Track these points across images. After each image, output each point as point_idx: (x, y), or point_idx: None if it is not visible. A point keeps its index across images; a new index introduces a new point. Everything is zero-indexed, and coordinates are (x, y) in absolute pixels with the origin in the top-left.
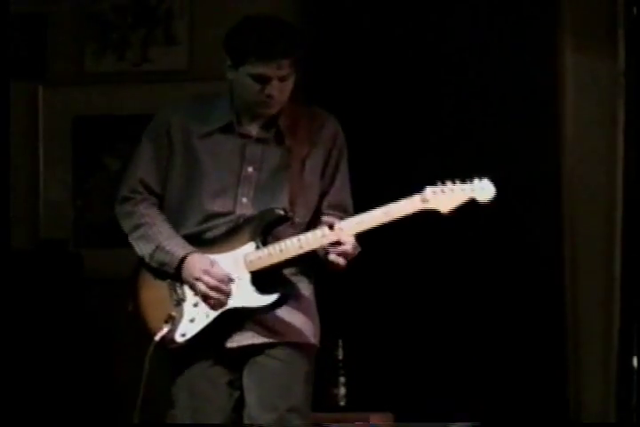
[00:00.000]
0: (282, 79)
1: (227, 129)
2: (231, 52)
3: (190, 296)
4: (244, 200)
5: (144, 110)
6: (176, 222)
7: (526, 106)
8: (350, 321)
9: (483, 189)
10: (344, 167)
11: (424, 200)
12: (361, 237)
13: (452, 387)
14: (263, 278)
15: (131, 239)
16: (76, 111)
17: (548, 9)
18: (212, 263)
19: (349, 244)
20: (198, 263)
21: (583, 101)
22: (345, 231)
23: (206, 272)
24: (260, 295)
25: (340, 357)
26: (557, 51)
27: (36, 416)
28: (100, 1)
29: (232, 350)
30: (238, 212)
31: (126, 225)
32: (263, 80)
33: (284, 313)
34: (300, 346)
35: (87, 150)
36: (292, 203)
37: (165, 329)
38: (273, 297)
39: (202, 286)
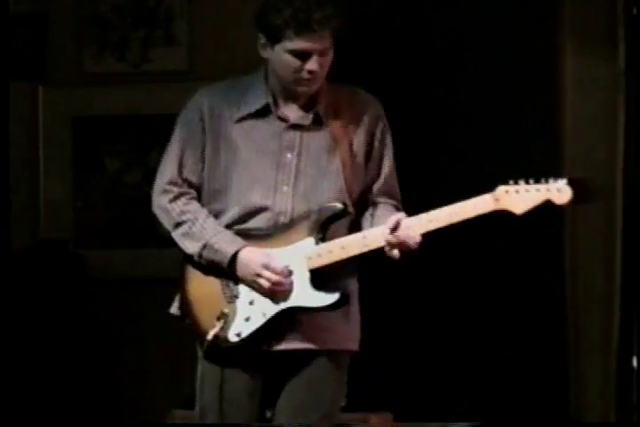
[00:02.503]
0: (322, 53)
1: (263, 112)
2: (265, 29)
3: (245, 293)
4: (285, 188)
5: (144, 110)
6: (216, 213)
7: (527, 106)
8: None
9: (560, 191)
10: (390, 152)
11: (496, 199)
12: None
13: (451, 387)
14: (321, 276)
15: (174, 236)
16: (76, 111)
17: (548, 10)
18: (269, 256)
19: (416, 241)
20: (255, 258)
21: (583, 101)
22: (414, 229)
23: (266, 267)
24: (320, 294)
25: None
26: (558, 51)
27: (38, 417)
28: (100, 1)
29: (274, 353)
30: (279, 201)
31: (166, 221)
32: (303, 56)
33: (329, 317)
34: (339, 353)
35: (87, 150)
36: (348, 190)
37: (218, 327)
38: (334, 297)
39: (264, 283)
